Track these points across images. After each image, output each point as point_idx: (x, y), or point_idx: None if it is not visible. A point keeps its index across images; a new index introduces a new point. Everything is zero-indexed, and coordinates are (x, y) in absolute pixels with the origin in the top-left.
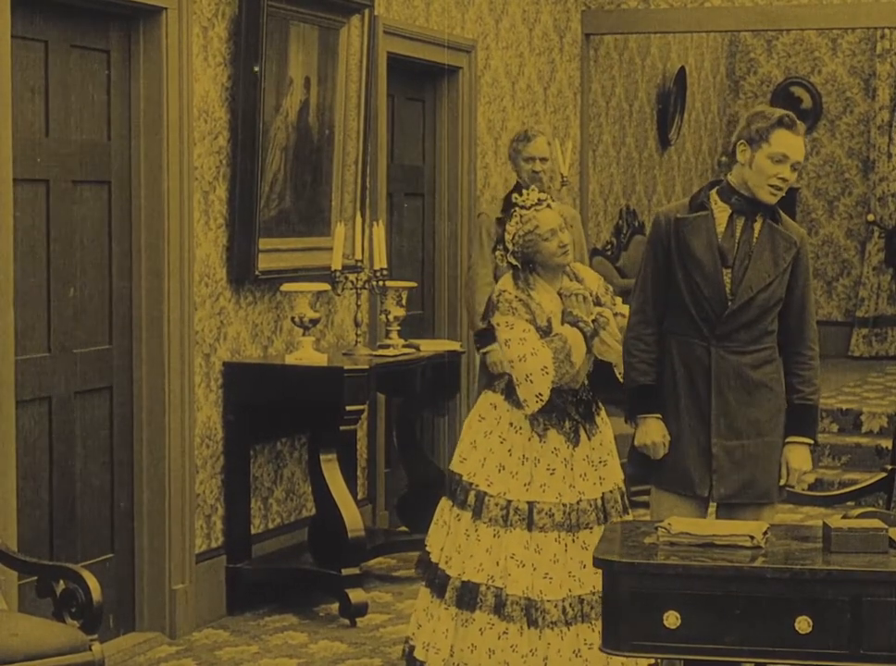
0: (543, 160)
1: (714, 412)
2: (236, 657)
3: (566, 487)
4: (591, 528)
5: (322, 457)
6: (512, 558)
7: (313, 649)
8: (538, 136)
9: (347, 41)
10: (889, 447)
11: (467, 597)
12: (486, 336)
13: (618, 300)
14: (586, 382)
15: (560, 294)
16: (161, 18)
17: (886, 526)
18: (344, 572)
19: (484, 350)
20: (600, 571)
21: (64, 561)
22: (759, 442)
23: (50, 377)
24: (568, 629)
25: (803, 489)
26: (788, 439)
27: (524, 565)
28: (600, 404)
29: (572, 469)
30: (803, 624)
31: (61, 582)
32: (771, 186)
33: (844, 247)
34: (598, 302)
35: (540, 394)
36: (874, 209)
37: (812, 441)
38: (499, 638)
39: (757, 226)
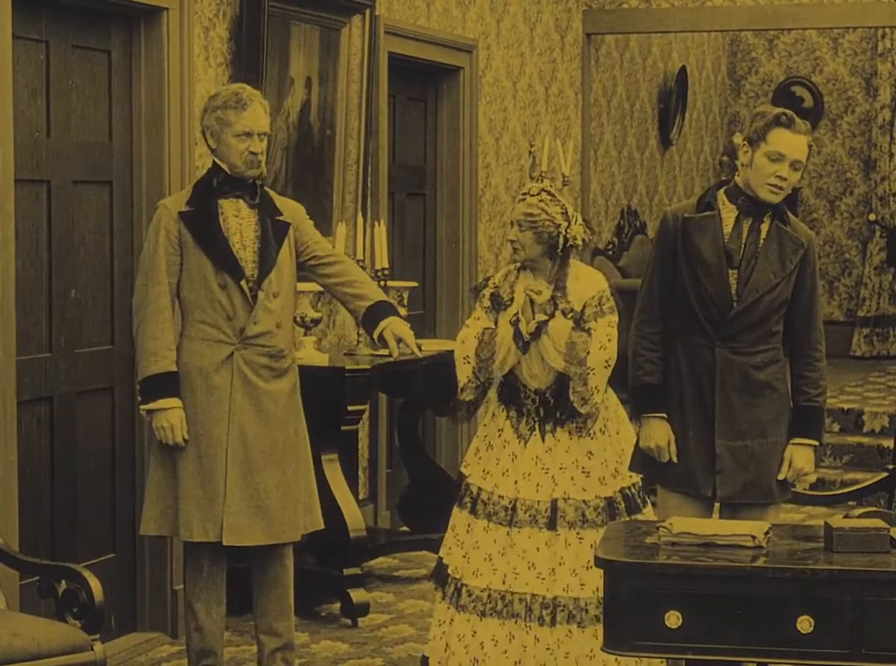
0: (264, 137)
1: (718, 412)
2: (237, 656)
3: (506, 481)
4: (519, 527)
5: (323, 457)
6: (476, 547)
7: (314, 649)
8: (254, 102)
9: (348, 41)
10: (891, 446)
11: (439, 578)
12: (153, 387)
13: (610, 319)
14: (553, 385)
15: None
16: (162, 19)
17: (888, 526)
18: (346, 572)
19: (145, 406)
20: (539, 574)
21: (65, 561)
22: (763, 443)
23: (51, 377)
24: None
25: (805, 489)
26: (792, 440)
27: (476, 548)
28: (581, 416)
29: (518, 465)
30: (805, 624)
31: (63, 582)
32: (770, 185)
33: (846, 247)
34: (579, 315)
35: (461, 382)
36: (875, 209)
37: (817, 443)
38: (473, 633)
39: (764, 227)
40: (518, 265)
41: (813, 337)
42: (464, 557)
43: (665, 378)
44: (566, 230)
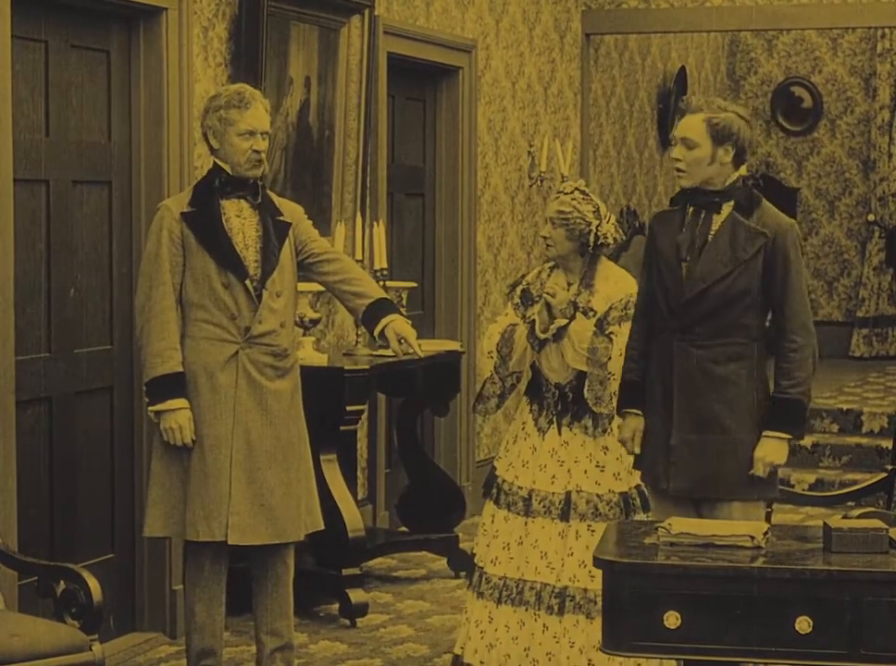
0: (266, 136)
1: (676, 405)
2: (236, 657)
3: (525, 472)
4: (534, 517)
5: (322, 457)
6: (495, 536)
7: (313, 650)
8: (256, 101)
9: (347, 41)
10: (890, 447)
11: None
12: (161, 388)
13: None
14: (573, 381)
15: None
16: (161, 19)
17: (886, 526)
18: (345, 572)
19: (154, 407)
20: (549, 564)
21: (64, 561)
22: (724, 439)
23: (50, 378)
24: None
25: (803, 490)
26: (763, 433)
27: (495, 537)
28: (599, 412)
29: (536, 458)
30: (804, 625)
31: (61, 582)
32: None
33: (845, 247)
34: (603, 317)
35: (485, 376)
36: (874, 209)
37: (787, 436)
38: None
39: (719, 218)
40: (552, 263)
41: (787, 327)
42: (487, 546)
43: (646, 374)
44: (596, 228)
